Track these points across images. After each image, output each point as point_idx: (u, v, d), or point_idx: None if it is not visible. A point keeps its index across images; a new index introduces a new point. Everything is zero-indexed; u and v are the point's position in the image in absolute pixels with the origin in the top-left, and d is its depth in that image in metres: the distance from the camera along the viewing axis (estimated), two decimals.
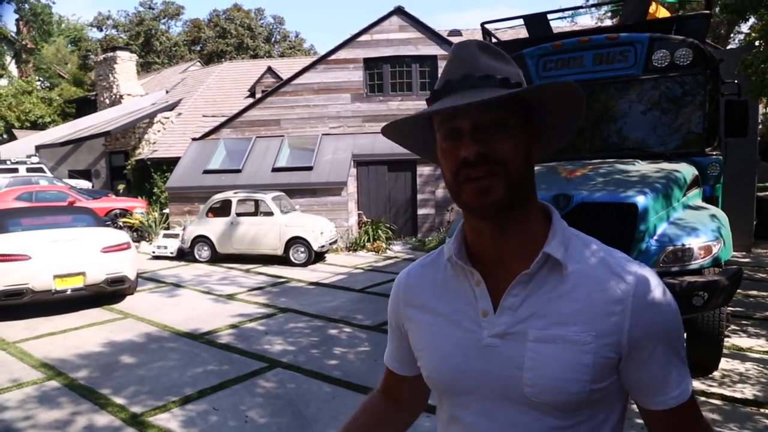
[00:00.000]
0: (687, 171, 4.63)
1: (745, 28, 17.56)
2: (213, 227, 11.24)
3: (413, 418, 1.21)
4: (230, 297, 8.22)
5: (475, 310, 0.95)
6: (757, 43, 8.04)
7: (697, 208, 4.56)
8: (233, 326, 6.56)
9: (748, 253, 10.25)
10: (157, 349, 5.73)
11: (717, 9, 7.38)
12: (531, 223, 0.95)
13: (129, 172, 17.74)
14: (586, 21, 22.03)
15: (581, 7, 7.33)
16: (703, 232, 4.13)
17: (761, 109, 11.89)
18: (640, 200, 4.06)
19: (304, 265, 10.78)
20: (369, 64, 14.56)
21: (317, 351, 5.60)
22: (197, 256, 11.38)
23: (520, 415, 0.92)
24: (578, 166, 4.74)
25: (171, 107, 18.96)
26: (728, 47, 16.56)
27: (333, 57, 14.63)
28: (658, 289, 0.90)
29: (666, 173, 4.46)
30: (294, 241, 10.84)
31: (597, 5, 13.19)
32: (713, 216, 4.40)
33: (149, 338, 6.10)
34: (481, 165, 0.88)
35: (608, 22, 21.24)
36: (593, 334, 0.88)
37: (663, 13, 5.71)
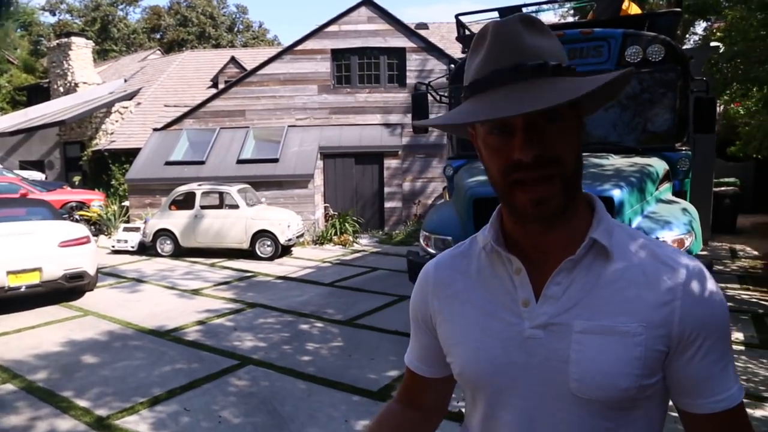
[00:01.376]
0: (659, 165, 4.70)
1: (699, 29, 18.10)
2: (176, 220, 10.92)
3: (435, 427, 1.13)
4: (195, 292, 7.98)
5: (513, 300, 0.89)
6: (714, 44, 8.29)
7: (669, 201, 4.63)
8: (200, 322, 6.36)
9: (705, 246, 10.59)
10: (121, 347, 5.49)
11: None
12: (577, 214, 0.90)
13: (85, 163, 17.07)
14: (549, 17, 22.27)
15: (553, 1, 7.36)
16: (676, 225, 4.19)
17: (718, 107, 12.27)
18: (616, 194, 4.09)
19: (271, 259, 10.60)
20: (336, 55, 14.38)
21: (289, 347, 5.48)
22: (159, 250, 11.05)
23: (563, 413, 0.85)
24: None
25: (130, 96, 18.31)
26: (684, 47, 17.03)
27: (300, 47, 14.38)
28: (710, 282, 0.86)
29: (639, 167, 4.51)
30: (260, 235, 10.64)
31: (553, 2, 13.28)
32: (684, 210, 4.48)
33: (112, 336, 5.85)
34: (536, 167, 0.81)
35: (570, 20, 21.56)
36: (643, 325, 0.82)
37: (635, 9, 5.78)
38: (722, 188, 13.48)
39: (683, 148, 5.03)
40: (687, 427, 0.91)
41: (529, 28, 0.83)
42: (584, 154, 4.82)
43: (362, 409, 4.01)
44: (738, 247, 11.14)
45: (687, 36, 20.16)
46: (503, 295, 0.91)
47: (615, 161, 4.67)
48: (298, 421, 3.82)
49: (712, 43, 9.10)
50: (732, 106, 11.74)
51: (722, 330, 0.86)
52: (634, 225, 4.17)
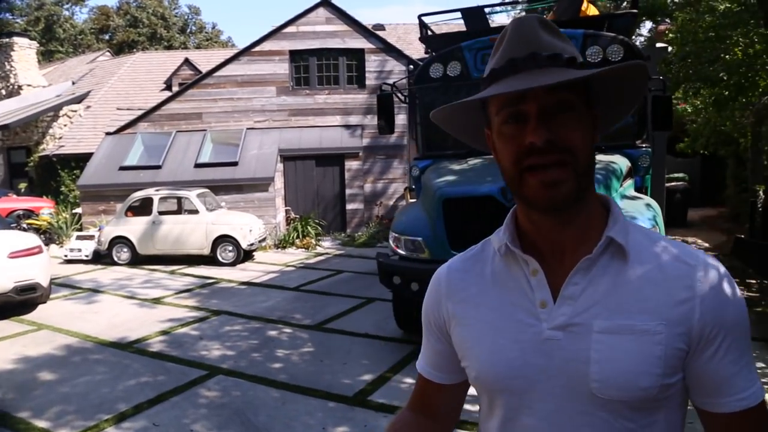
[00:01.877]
0: (622, 162, 4.82)
1: (644, 30, 18.77)
2: (133, 227, 10.55)
3: None
4: (156, 301, 7.72)
5: (531, 301, 0.88)
6: (659, 45, 8.58)
7: (633, 197, 4.75)
8: (164, 332, 6.15)
9: None
10: (81, 362, 5.24)
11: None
12: (591, 212, 0.89)
13: (31, 169, 16.33)
14: (503, 20, 22.57)
15: (513, 3, 7.47)
16: (641, 220, 4.29)
17: None
18: None
19: (233, 264, 10.37)
20: (295, 56, 14.20)
21: (259, 354, 5.35)
22: (116, 259, 10.64)
23: (585, 415, 0.84)
24: None
25: (79, 99, 17.63)
26: None
27: (257, 48, 14.14)
28: (727, 278, 0.86)
29: (605, 165, 4.60)
30: (221, 240, 10.40)
31: (514, 3, 13.51)
32: (648, 205, 4.61)
33: (70, 350, 5.58)
34: (548, 152, 0.81)
35: None
36: (663, 323, 0.82)
37: (593, 11, 5.92)
38: (673, 183, 14.00)
39: (644, 146, 5.17)
40: (707, 428, 0.90)
41: (545, 27, 0.88)
42: None
43: (339, 416, 3.94)
44: (690, 239, 11.57)
45: (633, 37, 20.88)
46: (520, 297, 0.90)
47: None
48: (274, 430, 3.72)
49: (658, 44, 9.45)
50: (679, 105, 12.19)
51: (742, 328, 0.86)
52: None
